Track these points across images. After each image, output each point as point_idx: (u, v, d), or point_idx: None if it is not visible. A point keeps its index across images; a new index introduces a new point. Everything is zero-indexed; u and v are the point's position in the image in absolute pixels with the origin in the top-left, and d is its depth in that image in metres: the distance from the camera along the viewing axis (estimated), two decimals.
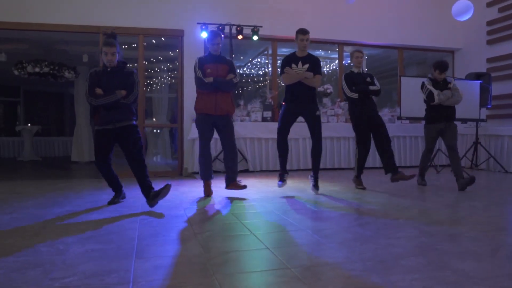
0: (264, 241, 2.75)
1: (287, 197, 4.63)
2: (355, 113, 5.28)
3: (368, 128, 5.25)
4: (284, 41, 8.29)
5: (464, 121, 7.58)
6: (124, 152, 4.16)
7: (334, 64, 10.26)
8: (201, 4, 7.37)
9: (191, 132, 7.07)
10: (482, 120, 7.62)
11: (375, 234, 2.97)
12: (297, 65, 4.84)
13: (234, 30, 7.23)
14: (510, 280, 2.04)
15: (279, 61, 8.93)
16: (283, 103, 5.06)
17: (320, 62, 4.98)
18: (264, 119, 7.75)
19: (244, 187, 4.76)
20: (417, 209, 3.93)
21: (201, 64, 4.62)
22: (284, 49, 8.85)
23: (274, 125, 7.43)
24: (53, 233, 2.96)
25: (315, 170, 4.99)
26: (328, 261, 2.33)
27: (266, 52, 9.28)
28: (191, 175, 7.08)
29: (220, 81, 4.55)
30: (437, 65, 5.49)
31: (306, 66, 4.82)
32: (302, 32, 4.89)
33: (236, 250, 2.57)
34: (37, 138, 12.64)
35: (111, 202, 4.24)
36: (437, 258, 2.37)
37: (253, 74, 11.20)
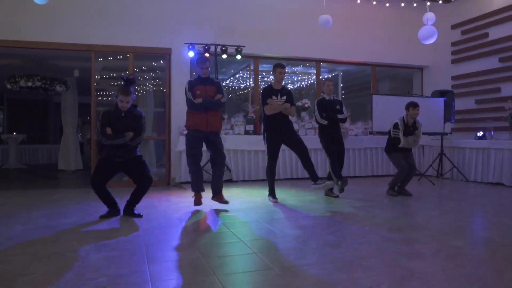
0: (252, 247, 3.30)
1: (269, 207, 5.18)
2: (324, 136, 5.95)
3: (335, 145, 5.91)
4: (266, 58, 8.90)
5: (430, 134, 8.28)
6: (132, 178, 4.65)
7: (312, 79, 10.90)
8: (188, 24, 7.89)
9: (178, 144, 7.56)
10: (446, 134, 8.35)
11: (343, 240, 3.55)
12: (277, 97, 5.43)
13: (219, 50, 7.77)
14: (444, 274, 2.64)
15: (260, 76, 9.55)
16: (265, 132, 5.60)
17: (291, 94, 5.66)
18: (246, 132, 8.29)
19: (227, 202, 5.23)
20: (382, 217, 4.54)
21: (191, 86, 5.07)
22: (265, 65, 9.46)
23: (256, 138, 8.05)
24: (71, 241, 3.44)
25: (314, 172, 5.55)
26: (304, 262, 2.90)
27: (248, 68, 9.84)
28: (179, 185, 7.56)
29: (209, 101, 5.03)
30: (410, 104, 6.24)
31: (284, 98, 5.42)
32: (281, 66, 5.54)
33: (229, 255, 3.11)
34: (21, 146, 12.87)
35: (104, 217, 4.52)
36: (391, 259, 2.96)
37: (235, 87, 11.77)
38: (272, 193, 5.71)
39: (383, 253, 3.12)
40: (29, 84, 8.42)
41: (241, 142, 8.05)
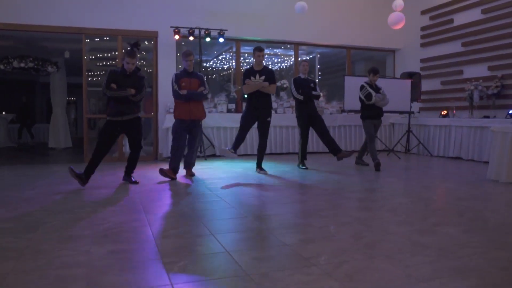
0: (230, 203, 3.95)
1: (248, 175, 5.83)
2: (299, 111, 6.55)
3: (309, 124, 6.54)
4: (247, 41, 9.43)
5: (400, 113, 8.99)
6: (129, 139, 5.24)
7: (291, 61, 11.47)
8: (174, 9, 8.36)
9: (165, 121, 8.12)
10: (413, 112, 9.08)
11: (308, 198, 4.23)
12: (255, 77, 6.01)
13: (203, 33, 8.29)
14: (382, 221, 3.33)
15: (242, 58, 10.10)
16: (245, 107, 6.24)
17: (274, 73, 6.20)
18: (229, 111, 8.89)
19: (193, 175, 5.89)
20: (345, 183, 5.23)
21: (177, 78, 5.65)
22: (246, 47, 10.00)
23: (238, 116, 8.59)
24: (77, 201, 4.05)
25: (260, 161, 6.27)
26: (273, 213, 3.56)
27: (231, 50, 10.36)
28: (166, 160, 8.14)
29: (193, 93, 5.62)
30: (371, 70, 6.88)
31: (263, 77, 6.00)
32: (259, 49, 6.08)
33: (212, 208, 3.76)
34: (9, 125, 13.21)
35: (75, 175, 4.82)
36: (343, 211, 3.65)
37: (218, 67, 12.28)
38: (234, 146, 6.20)
39: (337, 207, 3.81)
40: (22, 65, 8.82)
41: (223, 120, 8.64)
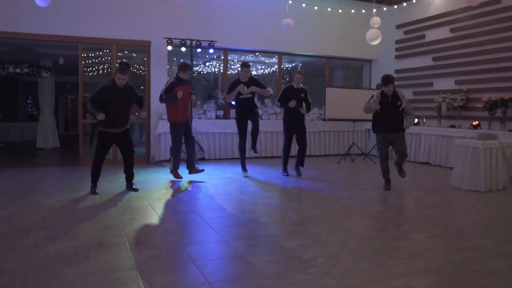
0: (236, 213, 4.56)
1: (239, 181, 6.44)
2: (285, 117, 7.21)
3: (293, 131, 7.15)
4: (234, 51, 10.02)
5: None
6: (123, 150, 5.73)
7: (274, 67, 12.10)
8: (166, 20, 8.84)
9: (158, 128, 8.62)
10: None
11: (299, 206, 4.88)
12: (243, 88, 6.70)
13: (194, 43, 8.81)
14: (364, 227, 4.01)
15: (228, 65, 10.65)
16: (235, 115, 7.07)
17: (259, 81, 7.07)
18: (217, 117, 9.45)
19: (202, 170, 6.76)
20: (328, 190, 5.90)
21: (172, 87, 6.34)
22: (233, 55, 10.58)
23: (226, 122, 9.24)
24: (101, 205, 4.58)
25: (254, 142, 7.11)
26: (271, 220, 4.19)
27: (218, 58, 10.90)
28: (159, 163, 8.66)
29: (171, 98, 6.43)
30: (381, 80, 6.05)
31: (251, 87, 6.70)
32: (246, 65, 6.87)
33: (217, 216, 4.36)
34: None
35: (95, 193, 5.43)
36: (331, 219, 4.31)
37: (204, 72, 12.79)
38: (243, 168, 7.17)
39: (325, 215, 4.46)
40: (18, 70, 9.14)
41: (212, 126, 9.20)
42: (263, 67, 12.23)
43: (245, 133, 7.06)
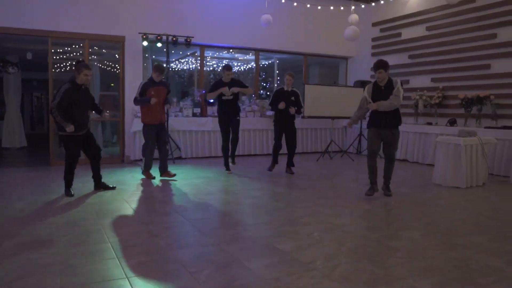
0: (223, 213, 4.38)
1: (222, 180, 6.27)
2: (275, 118, 7.09)
3: (283, 131, 7.04)
4: (211, 47, 9.81)
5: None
6: (89, 150, 5.43)
7: (250, 65, 11.94)
8: (141, 15, 8.54)
9: (133, 125, 8.32)
10: (365, 118, 9.84)
11: (286, 205, 4.76)
12: (225, 90, 6.56)
13: (170, 39, 8.54)
14: (355, 227, 3.92)
15: (205, 63, 10.42)
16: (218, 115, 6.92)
17: (241, 81, 6.96)
18: (194, 115, 9.21)
19: (174, 175, 6.52)
20: (312, 188, 5.81)
21: (144, 89, 6.21)
22: (209, 51, 10.37)
23: (203, 119, 9.03)
24: (81, 206, 4.31)
25: (233, 154, 7.00)
26: (261, 221, 4.05)
27: (195, 54, 10.66)
28: (134, 162, 8.35)
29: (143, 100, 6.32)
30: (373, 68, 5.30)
31: (233, 88, 6.57)
32: (228, 68, 6.76)
33: (220, 227, 4.18)
34: None
35: (70, 195, 5.14)
36: (321, 219, 4.20)
37: (178, 69, 12.50)
38: (226, 167, 7.02)
39: (315, 214, 4.36)
40: None
41: (189, 124, 8.96)
42: (239, 64, 12.05)
43: (228, 135, 6.91)
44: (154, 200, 5.01)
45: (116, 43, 8.56)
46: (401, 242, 3.47)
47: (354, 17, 9.05)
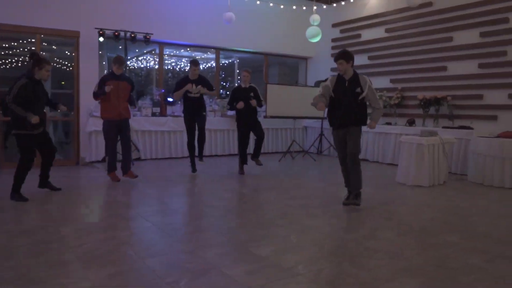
0: (192, 217, 4.18)
1: (187, 182, 6.05)
2: (237, 118, 6.92)
3: (248, 130, 6.90)
4: (170, 45, 9.53)
5: (316, 118, 9.75)
6: (44, 148, 5.10)
7: (210, 64, 11.73)
8: (98, 8, 8.12)
9: (88, 125, 7.89)
10: (325, 118, 9.91)
11: (257, 207, 4.62)
12: (192, 87, 6.34)
13: (128, 36, 8.19)
14: (329, 226, 3.85)
15: (166, 61, 10.12)
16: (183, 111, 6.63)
17: (208, 79, 6.73)
18: (153, 114, 8.89)
19: (136, 176, 6.15)
20: (280, 188, 5.72)
21: (103, 82, 5.89)
22: (168, 50, 10.06)
23: (162, 119, 8.72)
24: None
25: (201, 152, 6.88)
26: (234, 225, 3.89)
27: (153, 52, 10.31)
28: (90, 164, 7.92)
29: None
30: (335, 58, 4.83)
31: (199, 86, 6.36)
32: (195, 64, 6.57)
33: (193, 232, 3.97)
34: None
35: (23, 200, 4.73)
36: (295, 220, 4.11)
37: (135, 67, 12.06)
38: (193, 167, 6.82)
39: (288, 216, 4.25)
40: None
41: (148, 124, 8.63)
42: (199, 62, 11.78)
43: (193, 131, 6.74)
44: (118, 204, 4.72)
45: (70, 39, 8.09)
46: (378, 242, 3.44)
47: (316, 17, 9.09)
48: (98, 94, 5.88)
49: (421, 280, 2.68)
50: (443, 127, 7.75)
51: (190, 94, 6.50)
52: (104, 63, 9.66)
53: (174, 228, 3.75)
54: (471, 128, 7.35)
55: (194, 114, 6.64)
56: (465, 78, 7.91)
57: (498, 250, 3.30)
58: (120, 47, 8.91)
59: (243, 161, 7.06)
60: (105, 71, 10.06)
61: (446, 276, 2.75)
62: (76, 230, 3.63)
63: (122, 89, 5.99)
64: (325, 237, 3.56)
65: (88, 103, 8.03)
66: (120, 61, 6.00)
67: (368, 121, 4.90)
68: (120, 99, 5.99)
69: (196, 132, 6.77)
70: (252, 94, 6.89)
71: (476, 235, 3.74)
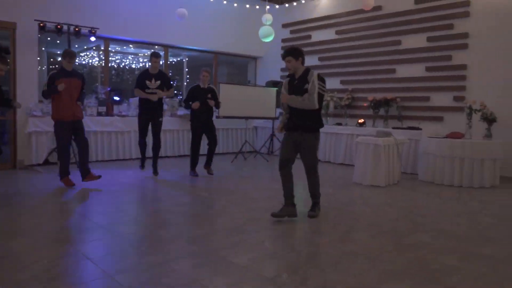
0: (155, 226, 3.91)
1: (144, 187, 5.71)
2: (191, 118, 6.65)
3: (201, 131, 6.64)
4: (117, 41, 9.03)
5: (268, 119, 9.69)
6: None
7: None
8: (36, 0, 7.49)
9: (28, 125, 7.26)
10: (277, 118, 9.90)
11: (221, 212, 4.43)
12: (150, 81, 5.98)
13: (72, 30, 7.63)
14: (304, 233, 3.75)
15: (110, 58, 9.59)
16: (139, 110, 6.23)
17: (169, 78, 6.26)
18: (99, 114, 8.36)
19: (99, 177, 5.78)
20: (241, 191, 5.56)
21: (53, 80, 5.41)
22: (112, 46, 9.54)
23: (108, 119, 8.23)
24: None
25: (155, 162, 6.46)
26: (201, 233, 3.67)
27: (97, 48, 9.74)
28: (30, 168, 7.29)
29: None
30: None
31: (158, 82, 6.02)
32: (156, 55, 6.09)
33: (160, 241, 3.67)
34: None
35: None
36: (263, 225, 3.96)
37: (77, 64, 11.34)
38: (142, 164, 6.58)
39: (254, 221, 4.10)
40: None
41: (93, 124, 8.10)
42: (145, 60, 11.30)
43: (145, 132, 6.38)
44: (71, 213, 4.31)
45: (5, 31, 7.39)
46: (354, 245, 3.38)
47: (268, 16, 9.02)
48: (50, 93, 5.39)
49: (408, 283, 2.64)
50: (394, 128, 7.97)
51: (148, 90, 6.13)
52: (39, 58, 8.96)
53: (139, 239, 3.47)
54: (420, 129, 7.62)
55: (151, 114, 6.27)
56: (413, 80, 8.20)
57: (467, 249, 3.37)
58: (58, 41, 8.35)
59: (195, 162, 6.79)
60: (44, 68, 9.41)
61: (431, 278, 2.74)
62: (29, 244, 3.23)
63: (74, 87, 5.55)
64: (300, 242, 3.45)
65: (25, 101, 7.37)
66: (71, 54, 5.52)
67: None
68: (73, 98, 5.55)
69: (151, 138, 6.41)
70: (209, 95, 6.66)
71: (443, 234, 3.80)
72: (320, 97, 4.13)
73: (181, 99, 9.94)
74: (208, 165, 6.80)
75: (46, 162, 7.43)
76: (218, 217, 4.24)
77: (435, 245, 3.46)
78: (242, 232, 3.68)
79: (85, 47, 10.17)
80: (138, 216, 4.23)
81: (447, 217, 4.47)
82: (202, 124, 6.62)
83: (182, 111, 9.39)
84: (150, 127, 6.48)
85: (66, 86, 5.41)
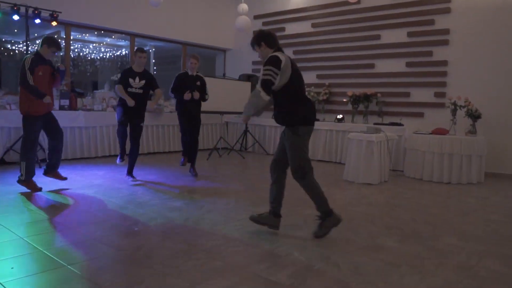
0: (147, 232, 3.43)
1: (120, 188, 5.15)
2: (179, 109, 6.14)
3: (190, 126, 6.13)
4: (79, 27, 8.27)
5: (238, 113, 9.28)
6: None
7: (122, 51, 10.57)
8: None
9: None
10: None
11: (224, 219, 4.01)
12: (134, 79, 5.37)
13: (31, 12, 6.84)
14: (288, 237, 3.43)
15: (72, 46, 8.78)
16: (119, 104, 5.53)
17: (155, 78, 5.68)
18: (61, 108, 7.60)
19: (65, 178, 5.27)
20: (224, 189, 5.15)
21: (33, 66, 4.69)
22: (74, 33, 8.74)
23: (73, 114, 7.50)
24: None
25: (131, 167, 5.77)
26: (199, 238, 3.26)
27: (57, 35, 8.89)
28: None
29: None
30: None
31: (143, 82, 5.41)
32: (141, 51, 5.47)
33: (160, 247, 3.19)
34: None
35: None
36: (248, 224, 3.59)
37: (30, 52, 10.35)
38: (121, 155, 5.86)
39: (239, 219, 3.72)
40: None
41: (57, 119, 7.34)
42: (108, 49, 10.53)
43: (125, 126, 5.58)
44: (43, 222, 3.68)
45: None
46: (389, 254, 3.10)
47: (244, 6, 8.62)
48: (34, 94, 4.63)
49: None
50: (375, 124, 7.84)
51: (130, 88, 5.47)
52: None
53: (145, 255, 2.97)
54: (402, 125, 7.54)
55: (130, 116, 5.49)
56: (393, 76, 8.12)
57: (499, 251, 3.21)
58: (16, 30, 7.48)
59: (187, 151, 6.28)
60: None
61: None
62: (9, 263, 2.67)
63: (49, 74, 4.90)
64: (287, 243, 3.12)
65: None
66: (59, 46, 4.89)
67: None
68: (50, 87, 4.93)
69: (129, 143, 5.71)
70: (198, 83, 6.15)
71: (466, 235, 3.63)
72: (266, 84, 3.36)
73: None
74: (192, 165, 6.32)
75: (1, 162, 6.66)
76: (224, 223, 3.79)
77: (467, 248, 3.27)
78: (259, 240, 3.29)
79: (46, 34, 9.25)
80: (133, 223, 3.71)
81: (458, 217, 4.33)
82: (189, 114, 6.09)
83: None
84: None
85: (43, 74, 4.77)
